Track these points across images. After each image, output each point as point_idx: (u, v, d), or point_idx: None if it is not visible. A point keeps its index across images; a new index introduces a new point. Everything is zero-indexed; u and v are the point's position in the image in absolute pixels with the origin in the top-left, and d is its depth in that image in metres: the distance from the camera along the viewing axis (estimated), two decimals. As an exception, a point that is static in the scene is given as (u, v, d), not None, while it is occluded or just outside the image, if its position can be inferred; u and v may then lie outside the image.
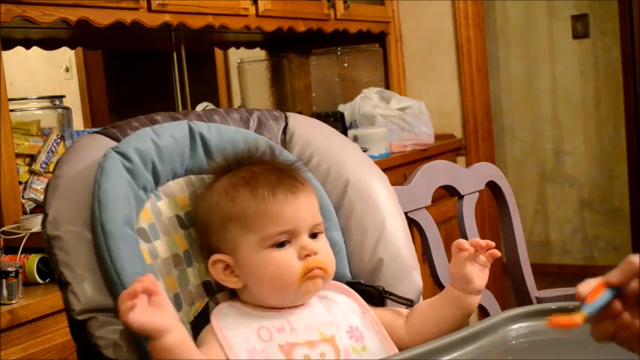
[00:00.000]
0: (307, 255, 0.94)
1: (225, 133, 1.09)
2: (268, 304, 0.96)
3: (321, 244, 0.98)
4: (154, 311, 0.82)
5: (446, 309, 0.99)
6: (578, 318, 0.73)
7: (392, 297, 1.06)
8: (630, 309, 0.74)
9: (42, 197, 1.64)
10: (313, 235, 0.97)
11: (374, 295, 1.06)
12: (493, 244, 0.98)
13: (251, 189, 0.95)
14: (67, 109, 2.11)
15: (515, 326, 0.97)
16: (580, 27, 3.85)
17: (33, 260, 1.58)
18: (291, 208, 0.95)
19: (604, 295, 0.75)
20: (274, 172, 0.98)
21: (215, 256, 0.97)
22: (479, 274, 0.98)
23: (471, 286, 0.98)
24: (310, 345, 0.92)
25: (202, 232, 1.00)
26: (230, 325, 0.93)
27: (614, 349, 0.84)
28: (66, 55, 2.69)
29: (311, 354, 0.91)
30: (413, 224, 1.39)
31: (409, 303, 1.07)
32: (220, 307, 0.97)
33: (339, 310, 0.99)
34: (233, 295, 1.00)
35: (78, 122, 2.53)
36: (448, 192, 1.55)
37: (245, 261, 0.95)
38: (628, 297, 0.74)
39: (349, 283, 1.05)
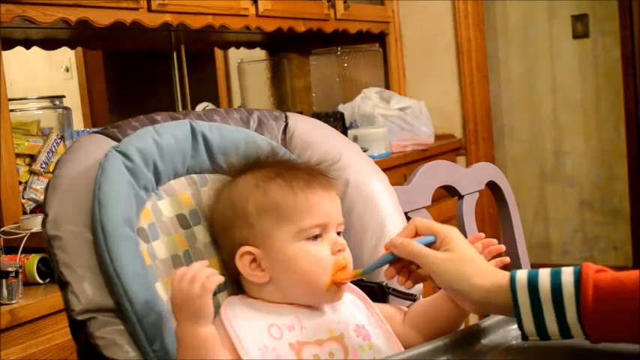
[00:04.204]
0: (339, 250, 0.95)
1: (227, 133, 1.09)
2: (290, 300, 0.95)
3: (344, 241, 0.98)
4: None
5: (443, 307, 0.98)
6: (354, 273, 0.95)
7: (396, 292, 1.07)
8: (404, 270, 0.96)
9: (42, 197, 1.64)
10: (337, 233, 0.98)
11: (376, 292, 1.06)
12: (495, 241, 0.98)
13: (286, 182, 0.96)
14: (67, 109, 2.11)
15: (515, 326, 0.97)
16: (580, 27, 3.85)
17: (33, 260, 1.58)
18: (327, 202, 0.96)
19: (385, 257, 0.95)
20: (304, 169, 0.99)
21: (244, 248, 0.96)
22: None
23: None
24: (319, 344, 0.93)
25: (224, 226, 0.99)
26: (240, 320, 0.92)
27: (614, 350, 0.84)
28: (66, 55, 2.69)
29: (320, 353, 0.92)
30: (413, 224, 1.39)
31: (413, 298, 1.07)
32: (230, 300, 0.96)
33: (346, 309, 0.99)
34: (236, 294, 1.00)
35: (78, 122, 2.53)
36: (448, 192, 1.55)
37: (277, 253, 0.94)
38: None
39: (351, 280, 1.05)
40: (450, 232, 0.93)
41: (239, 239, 0.96)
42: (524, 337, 0.87)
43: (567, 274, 0.83)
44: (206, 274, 0.84)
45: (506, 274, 0.88)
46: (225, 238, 0.99)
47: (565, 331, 0.84)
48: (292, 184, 0.95)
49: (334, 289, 0.94)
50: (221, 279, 0.85)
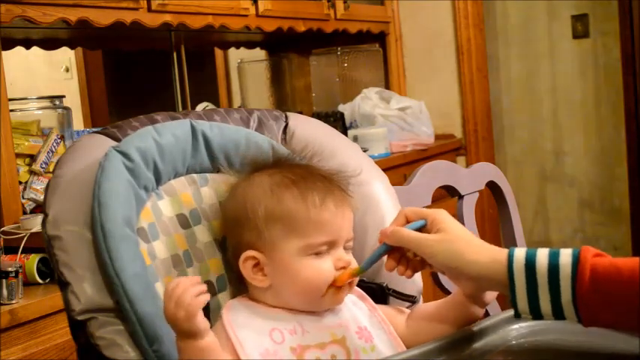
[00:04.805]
0: (343, 267, 0.94)
1: (227, 132, 1.09)
2: (289, 306, 0.95)
3: (351, 257, 0.97)
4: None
5: (450, 313, 0.98)
6: (352, 272, 0.94)
7: (395, 294, 1.06)
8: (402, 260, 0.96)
9: (42, 197, 1.64)
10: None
11: (376, 292, 1.06)
12: None
13: (300, 192, 0.94)
14: (67, 109, 2.11)
15: (515, 326, 0.97)
16: (580, 27, 3.85)
17: (33, 260, 1.58)
18: (339, 219, 0.95)
19: (379, 249, 0.95)
20: (321, 179, 0.97)
21: (248, 252, 0.95)
22: None
23: (479, 297, 0.96)
24: (321, 347, 0.92)
25: (234, 225, 0.98)
26: (241, 324, 0.92)
27: (613, 351, 0.84)
28: (66, 55, 2.70)
29: (322, 356, 0.91)
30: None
31: (412, 300, 1.07)
32: (231, 303, 0.96)
33: (348, 310, 0.98)
34: (236, 294, 1.00)
35: (78, 122, 2.54)
36: (448, 192, 1.55)
37: (282, 263, 0.94)
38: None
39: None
40: (439, 214, 0.93)
41: (246, 241, 0.96)
42: (517, 314, 0.87)
43: (566, 255, 0.84)
44: (190, 295, 0.82)
45: (504, 251, 0.87)
46: (232, 236, 0.99)
47: (558, 311, 0.83)
48: (307, 196, 0.94)
49: (332, 292, 0.94)
50: (207, 297, 0.83)
